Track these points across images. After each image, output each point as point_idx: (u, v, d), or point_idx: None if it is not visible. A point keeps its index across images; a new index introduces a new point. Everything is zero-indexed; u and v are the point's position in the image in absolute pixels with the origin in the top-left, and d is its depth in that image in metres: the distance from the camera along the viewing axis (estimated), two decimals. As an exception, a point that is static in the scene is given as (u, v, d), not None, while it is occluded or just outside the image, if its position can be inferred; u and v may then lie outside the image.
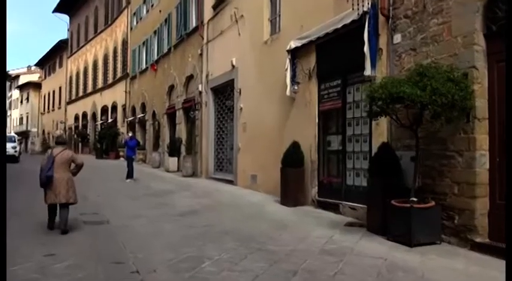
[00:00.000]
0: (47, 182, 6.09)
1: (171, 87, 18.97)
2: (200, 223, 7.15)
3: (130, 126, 25.52)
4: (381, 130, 6.84)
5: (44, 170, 6.13)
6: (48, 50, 42.96)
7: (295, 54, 9.28)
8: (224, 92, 13.66)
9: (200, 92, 15.14)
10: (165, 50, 19.69)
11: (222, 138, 13.96)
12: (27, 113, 54.13)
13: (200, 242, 5.75)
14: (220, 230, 6.54)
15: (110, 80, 29.73)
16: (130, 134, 16.48)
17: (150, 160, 21.23)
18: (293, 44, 9.20)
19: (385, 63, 6.80)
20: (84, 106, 34.80)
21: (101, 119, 31.03)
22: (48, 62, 44.72)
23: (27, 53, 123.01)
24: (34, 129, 49.62)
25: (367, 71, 6.83)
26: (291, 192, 8.73)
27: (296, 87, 8.81)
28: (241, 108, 12.06)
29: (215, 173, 14.11)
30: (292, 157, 8.72)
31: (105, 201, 9.65)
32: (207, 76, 14.68)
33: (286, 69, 9.33)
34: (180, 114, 17.56)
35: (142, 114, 23.25)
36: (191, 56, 16.40)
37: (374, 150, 6.80)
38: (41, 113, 47.91)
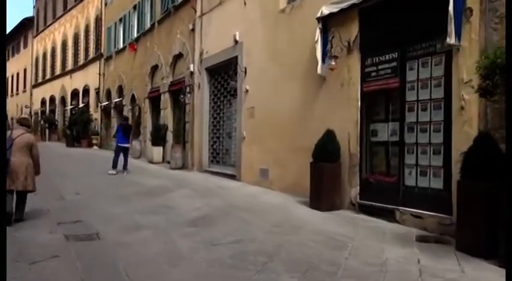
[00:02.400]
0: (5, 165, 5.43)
1: (154, 68, 16.91)
2: (223, 237, 5.29)
3: (105, 111, 23.45)
4: (469, 116, 5.12)
5: None
6: (11, 28, 39.36)
7: (329, 22, 7.46)
8: (222, 72, 11.83)
9: (192, 73, 13.23)
10: (148, 26, 17.58)
11: (218, 125, 12.17)
12: (-12, 96, 49.93)
13: (240, 274, 3.88)
14: (258, 251, 4.71)
15: (81, 61, 27.22)
16: (124, 118, 14.23)
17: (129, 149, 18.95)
18: (326, 10, 7.38)
19: (476, 27, 5.04)
20: (52, 90, 32.08)
21: (71, 104, 28.49)
22: (11, 41, 41.00)
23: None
24: (-4, 114, 45.71)
25: (452, 39, 5.06)
26: (325, 193, 6.99)
27: (333, 63, 6.97)
28: (246, 91, 10.22)
29: (210, 166, 12.28)
30: (327, 149, 6.95)
31: (87, 202, 7.65)
32: (200, 54, 12.75)
33: (317, 41, 7.54)
34: (165, 98, 15.57)
35: (119, 99, 21.04)
36: (180, 32, 14.36)
37: (454, 142, 5.14)
38: (4, 97, 44.12)
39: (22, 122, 6.27)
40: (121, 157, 12.13)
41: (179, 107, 14.09)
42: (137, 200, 7.90)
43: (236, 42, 10.71)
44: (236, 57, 10.70)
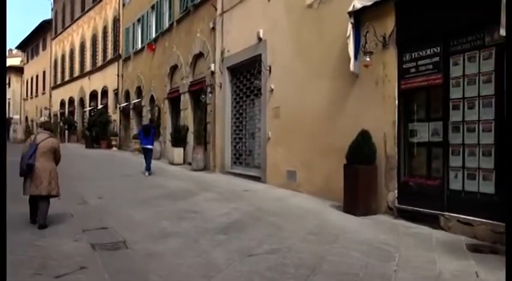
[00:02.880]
0: (27, 171, 5.55)
1: (174, 68, 16.67)
2: (258, 245, 4.96)
3: (124, 112, 23.39)
4: (526, 115, 4.64)
5: (25, 157, 5.59)
6: (30, 31, 39.83)
7: (361, 16, 7.05)
8: (245, 71, 11.48)
9: (213, 73, 12.92)
10: (166, 26, 17.35)
11: (241, 126, 11.84)
12: (8, 99, 50.70)
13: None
14: (297, 262, 4.37)
15: (100, 62, 27.22)
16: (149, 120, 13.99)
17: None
18: (358, 4, 6.98)
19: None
20: (70, 91, 32.17)
21: (90, 105, 28.57)
22: (31, 44, 41.49)
23: (7, 35, 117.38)
24: (16, 116, 46.47)
25: (502, 31, 4.60)
26: (360, 197, 6.58)
27: (368, 59, 6.55)
28: (271, 90, 9.85)
29: (233, 168, 11.97)
30: (362, 151, 6.56)
31: (110, 206, 7.40)
32: (222, 53, 12.41)
33: (348, 36, 7.11)
34: (185, 99, 15.29)
35: (137, 100, 20.93)
36: (200, 31, 14.07)
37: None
38: (24, 99, 44.86)
39: (45, 126, 6.26)
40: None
41: (200, 108, 13.78)
42: (161, 204, 7.61)
43: (260, 39, 10.36)
44: (260, 55, 10.34)
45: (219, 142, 12.53)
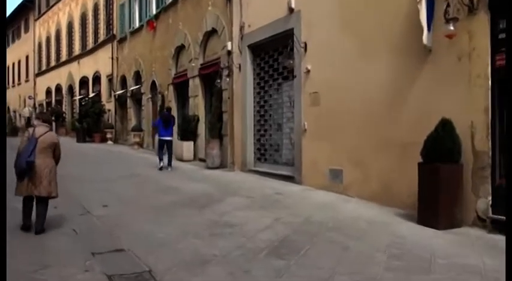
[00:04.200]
0: (27, 169, 5.41)
1: (180, 49, 15.87)
2: (331, 277, 4.02)
3: (120, 101, 22.79)
4: None
5: (23, 154, 5.44)
6: (10, 12, 38.67)
7: (438, -26, 6.03)
8: (271, 49, 10.64)
9: (229, 52, 12.05)
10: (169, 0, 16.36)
11: (266, 115, 11.04)
12: (-13, 87, 49.82)
13: None
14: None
15: (90, 45, 26.49)
16: (166, 108, 13.52)
17: (149, 144, 18.53)
18: (434, -43, 5.93)
19: None
20: (57, 78, 31.47)
21: (80, 94, 27.88)
22: (11, 26, 40.41)
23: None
24: (-4, 107, 45.49)
25: None
26: (442, 204, 5.67)
27: (452, 28, 5.56)
28: (307, 71, 8.99)
29: (257, 165, 11.21)
30: (444, 145, 5.60)
31: (121, 218, 6.57)
32: (241, 29, 11.54)
33: (420, 1, 6.10)
34: (195, 84, 14.49)
35: (136, 86, 20.25)
36: (212, 4, 13.21)
37: None
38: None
39: (43, 118, 6.04)
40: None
41: (214, 94, 12.92)
42: (183, 214, 6.75)
43: (291, 10, 9.48)
44: (291, 30, 9.44)
45: (238, 135, 11.70)
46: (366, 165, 7.55)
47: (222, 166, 12.21)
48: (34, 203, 5.70)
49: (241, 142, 11.61)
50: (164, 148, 12.22)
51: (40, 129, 5.70)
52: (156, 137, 12.93)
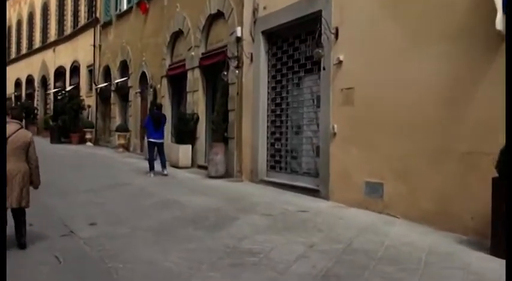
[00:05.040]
0: None
1: (177, 36, 15.63)
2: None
3: (102, 96, 22.56)
4: None
5: None
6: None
7: None
8: (291, 36, 10.15)
9: (239, 39, 11.65)
10: (165, -24, 16.09)
11: (282, 115, 10.58)
12: None
13: None
14: None
15: (69, 29, 26.41)
16: (156, 106, 13.32)
17: (136, 147, 18.36)
18: None
19: None
20: (29, 68, 31.33)
21: (56, 87, 27.79)
22: (-24, 6, 39.85)
23: None
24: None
25: None
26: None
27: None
28: (339, 62, 8.48)
29: (270, 175, 10.74)
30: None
31: (115, 241, 6.05)
32: (254, 12, 11.06)
33: (494, -25, 5.58)
34: (195, 77, 14.12)
35: (122, 79, 20.08)
36: (217, -18, 12.72)
37: None
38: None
39: (14, 114, 5.97)
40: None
41: (218, 89, 12.46)
42: (191, 237, 6.19)
43: (318, -11, 8.89)
44: (319, 12, 8.94)
45: (247, 138, 11.26)
46: (415, 178, 7.01)
47: (226, 174, 11.76)
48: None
49: (251, 146, 11.13)
50: (155, 152, 12.13)
51: (10, 127, 5.50)
52: (145, 140, 12.71)
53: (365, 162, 7.94)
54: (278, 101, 10.64)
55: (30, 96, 31.54)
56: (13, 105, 28.98)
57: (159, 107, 13.17)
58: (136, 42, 18.50)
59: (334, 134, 8.61)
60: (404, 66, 7.20)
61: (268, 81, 10.88)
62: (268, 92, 10.89)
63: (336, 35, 8.56)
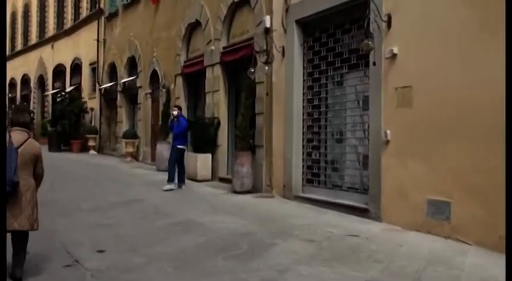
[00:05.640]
0: (11, 192, 5.13)
1: (193, 27, 15.63)
2: None
3: (107, 97, 22.64)
4: None
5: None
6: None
7: None
8: (332, 25, 9.84)
9: (267, 31, 11.43)
10: (180, -40, 16.15)
11: (321, 119, 10.32)
12: None
13: None
14: None
15: (69, 23, 26.56)
16: (175, 109, 12.97)
17: (146, 156, 18.32)
18: None
19: None
20: (24, 66, 31.70)
21: (54, 87, 27.97)
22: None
23: None
24: None
25: None
26: None
27: None
28: (392, 56, 8.15)
29: (307, 190, 10.46)
30: None
31: (129, 274, 5.66)
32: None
33: None
34: (214, 75, 13.99)
35: (130, 78, 20.12)
36: (242, -35, 12.71)
37: None
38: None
39: (21, 120, 5.62)
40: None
41: (243, 89, 12.29)
42: (222, 269, 5.85)
43: (365, -30, 8.60)
44: (366, -3, 8.56)
45: (279, 146, 11.01)
46: (493, 196, 6.49)
47: (254, 189, 11.51)
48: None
49: (283, 156, 10.85)
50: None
51: (17, 135, 5.38)
52: (174, 146, 12.57)
53: (427, 176, 7.51)
54: (316, 102, 10.37)
55: (25, 98, 31.73)
56: (21, 109, 29.27)
57: (180, 108, 13.19)
58: (146, 36, 18.51)
59: (387, 141, 8.23)
60: (478, 60, 6.77)
61: (304, 80, 10.64)
62: (303, 92, 10.63)
63: (389, 23, 8.20)
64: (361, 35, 8.61)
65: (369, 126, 8.77)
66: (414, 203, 7.65)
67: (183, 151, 12.35)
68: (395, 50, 8.05)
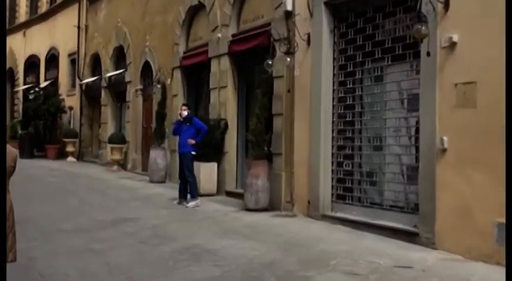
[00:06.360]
0: None
1: (195, 11, 15.57)
2: None
3: (89, 94, 22.77)
4: None
5: None
6: None
7: None
8: (370, 8, 9.65)
9: (289, 15, 11.25)
10: None
11: (355, 122, 10.17)
12: None
13: None
14: None
15: (44, 6, 26.66)
16: (184, 109, 12.73)
17: (136, 164, 18.40)
18: None
19: None
20: None
21: (26, 82, 28.06)
22: None
23: None
24: None
25: None
26: None
27: None
28: (450, 44, 7.88)
29: (337, 208, 10.24)
30: None
31: None
32: (312, -25, 10.63)
33: None
34: (222, 68, 13.91)
35: (117, 71, 20.09)
36: None
37: None
38: None
39: None
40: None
41: (258, 85, 12.12)
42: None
43: None
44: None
45: (302, 154, 10.82)
46: None
47: (271, 206, 11.34)
48: None
49: (307, 166, 10.67)
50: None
51: None
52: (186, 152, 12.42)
53: (495, 192, 7.16)
54: (349, 101, 10.20)
55: (-9, 94, 31.57)
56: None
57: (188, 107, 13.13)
58: (136, 22, 18.48)
59: (444, 150, 7.97)
60: None
61: (334, 74, 10.44)
62: (333, 89, 10.44)
63: (446, 4, 7.92)
64: (408, 20, 8.54)
65: (417, 131, 8.60)
66: (479, 227, 7.40)
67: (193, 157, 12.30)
68: (455, 38, 7.81)
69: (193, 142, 11.94)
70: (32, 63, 27.34)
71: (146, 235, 9.08)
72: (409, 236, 8.31)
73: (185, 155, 12.13)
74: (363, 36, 9.76)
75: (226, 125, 13.49)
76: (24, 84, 27.62)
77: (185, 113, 12.27)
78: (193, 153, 12.13)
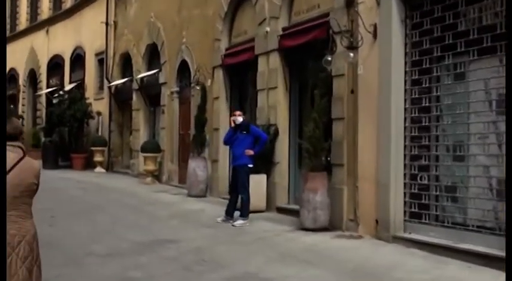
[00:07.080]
0: None
1: (238, 3, 15.66)
2: None
3: (118, 98, 22.92)
4: None
5: None
6: None
7: None
8: None
9: (351, 3, 11.03)
10: None
11: (431, 127, 9.96)
12: None
13: None
14: None
15: (68, 1, 26.74)
16: (239, 114, 12.69)
17: (172, 176, 18.44)
18: None
19: None
20: (11, 58, 31.74)
21: (50, 85, 28.08)
22: None
23: None
24: None
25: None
26: None
27: None
28: None
29: (411, 228, 9.91)
30: None
31: None
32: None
33: None
34: (271, 66, 13.78)
35: (150, 72, 20.14)
36: None
37: None
38: None
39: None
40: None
41: (315, 85, 11.85)
42: None
43: None
44: None
45: (369, 166, 10.58)
46: None
47: (332, 226, 11.15)
48: None
49: (375, 179, 10.45)
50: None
51: (8, 155, 4.76)
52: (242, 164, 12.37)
53: None
54: (424, 103, 9.98)
55: (12, 98, 31.86)
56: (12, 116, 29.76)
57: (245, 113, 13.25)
58: (172, 16, 18.47)
59: None
60: None
61: (406, 71, 10.24)
62: (405, 89, 10.22)
63: None
64: (498, 6, 8.29)
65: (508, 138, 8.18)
66: None
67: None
68: None
69: (251, 152, 11.81)
70: (55, 64, 27.44)
71: (189, 260, 8.98)
72: (502, 263, 7.74)
73: (241, 168, 12.02)
74: (441, 26, 9.51)
75: (276, 132, 13.36)
76: (48, 87, 27.77)
77: (240, 119, 12.19)
78: (250, 166, 12.05)
